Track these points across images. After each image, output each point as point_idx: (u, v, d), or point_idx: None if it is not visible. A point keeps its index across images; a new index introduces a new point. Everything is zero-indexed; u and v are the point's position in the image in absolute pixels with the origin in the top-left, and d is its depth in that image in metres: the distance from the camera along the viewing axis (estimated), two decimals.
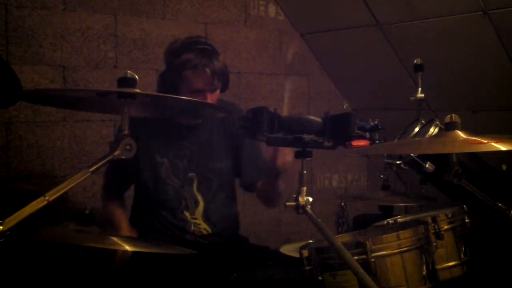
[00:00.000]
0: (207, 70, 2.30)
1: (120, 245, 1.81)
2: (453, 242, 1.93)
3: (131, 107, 1.58)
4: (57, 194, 1.41)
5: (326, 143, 1.63)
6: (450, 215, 1.96)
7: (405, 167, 2.47)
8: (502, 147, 1.78)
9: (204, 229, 2.42)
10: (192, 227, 2.41)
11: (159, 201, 2.41)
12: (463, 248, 1.95)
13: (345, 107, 2.88)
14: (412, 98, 2.50)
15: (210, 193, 2.45)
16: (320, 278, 1.78)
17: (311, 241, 2.23)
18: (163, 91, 2.28)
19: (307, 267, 1.80)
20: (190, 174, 2.43)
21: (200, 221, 2.42)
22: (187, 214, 2.42)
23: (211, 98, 2.33)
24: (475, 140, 1.85)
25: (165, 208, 2.41)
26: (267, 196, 2.52)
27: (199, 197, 2.43)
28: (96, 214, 1.92)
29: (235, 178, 2.56)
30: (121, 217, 2.46)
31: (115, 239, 1.85)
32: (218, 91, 2.37)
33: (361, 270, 1.57)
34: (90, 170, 1.48)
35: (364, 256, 1.73)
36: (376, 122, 2.20)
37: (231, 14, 3.49)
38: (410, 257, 1.79)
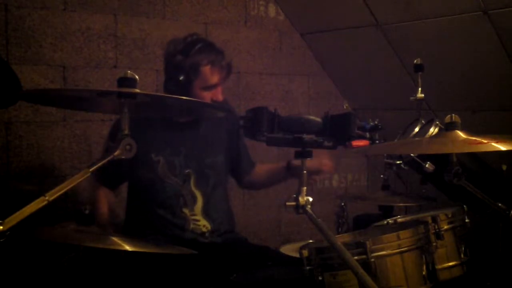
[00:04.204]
0: (223, 63, 2.37)
1: (120, 245, 1.81)
2: (453, 242, 1.94)
3: (131, 107, 1.58)
4: (57, 194, 1.41)
5: (326, 143, 1.63)
6: (450, 215, 1.96)
7: (405, 167, 2.47)
8: (502, 147, 1.78)
9: (204, 225, 2.42)
10: (191, 225, 2.41)
11: (158, 200, 2.41)
12: (463, 248, 1.95)
13: (345, 107, 2.88)
14: (412, 98, 2.49)
15: (208, 188, 2.46)
16: (320, 278, 1.78)
17: (311, 241, 2.23)
18: (173, 92, 2.28)
19: (307, 267, 1.80)
20: (187, 171, 2.43)
21: (199, 217, 2.42)
22: (186, 211, 2.42)
23: (220, 91, 2.39)
24: (475, 140, 1.85)
25: (164, 206, 2.41)
26: (265, 182, 2.65)
27: (198, 193, 2.44)
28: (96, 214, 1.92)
29: (229, 174, 2.60)
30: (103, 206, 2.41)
31: (115, 239, 1.85)
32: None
33: (361, 270, 1.57)
34: (90, 170, 1.48)
35: (364, 256, 1.73)
36: (376, 122, 2.20)
37: (231, 14, 3.49)
38: (410, 257, 1.80)
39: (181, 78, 2.32)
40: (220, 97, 2.37)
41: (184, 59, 2.33)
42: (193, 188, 2.43)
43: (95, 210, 2.38)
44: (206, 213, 2.44)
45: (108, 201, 2.43)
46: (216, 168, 2.48)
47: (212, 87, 2.35)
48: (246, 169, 2.64)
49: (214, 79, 2.35)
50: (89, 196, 2.47)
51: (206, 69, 2.33)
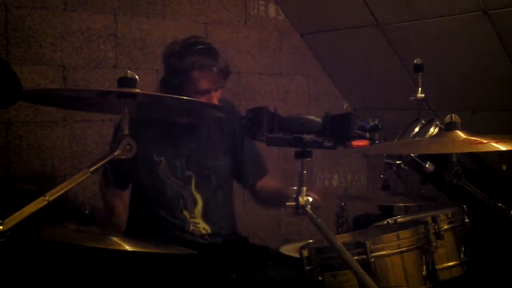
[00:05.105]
0: (214, 69, 2.31)
1: (120, 245, 1.81)
2: (453, 242, 1.93)
3: (131, 107, 1.58)
4: (57, 194, 1.41)
5: (326, 143, 1.63)
6: (450, 215, 1.96)
7: (405, 167, 2.47)
8: (502, 147, 1.78)
9: (204, 228, 2.42)
10: (191, 227, 2.41)
11: (158, 201, 2.41)
12: (463, 248, 1.95)
13: (345, 107, 2.88)
14: (412, 98, 2.49)
15: (209, 191, 2.45)
16: (320, 278, 1.78)
17: (311, 241, 2.22)
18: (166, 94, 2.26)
19: (307, 267, 1.80)
20: (188, 173, 2.42)
21: (199, 220, 2.42)
22: (186, 213, 2.41)
23: (215, 97, 2.34)
24: (475, 140, 1.86)
25: (164, 207, 2.41)
26: (269, 199, 2.53)
27: (198, 196, 2.43)
28: (96, 214, 1.92)
29: (233, 177, 2.56)
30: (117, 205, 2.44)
31: (115, 239, 1.84)
32: (220, 90, 2.37)
33: (361, 270, 1.57)
34: (90, 170, 1.48)
35: (364, 256, 1.73)
36: (376, 122, 2.20)
37: (231, 14, 3.49)
38: (410, 257, 1.79)
39: (174, 81, 2.31)
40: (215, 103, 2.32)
41: (177, 62, 2.31)
42: (193, 191, 2.43)
43: (110, 216, 2.40)
44: (205, 216, 2.43)
45: (124, 206, 2.46)
46: (218, 171, 2.46)
47: (205, 92, 2.31)
48: (249, 175, 2.55)
49: (204, 84, 2.30)
50: (103, 204, 2.47)
51: (195, 74, 2.29)
